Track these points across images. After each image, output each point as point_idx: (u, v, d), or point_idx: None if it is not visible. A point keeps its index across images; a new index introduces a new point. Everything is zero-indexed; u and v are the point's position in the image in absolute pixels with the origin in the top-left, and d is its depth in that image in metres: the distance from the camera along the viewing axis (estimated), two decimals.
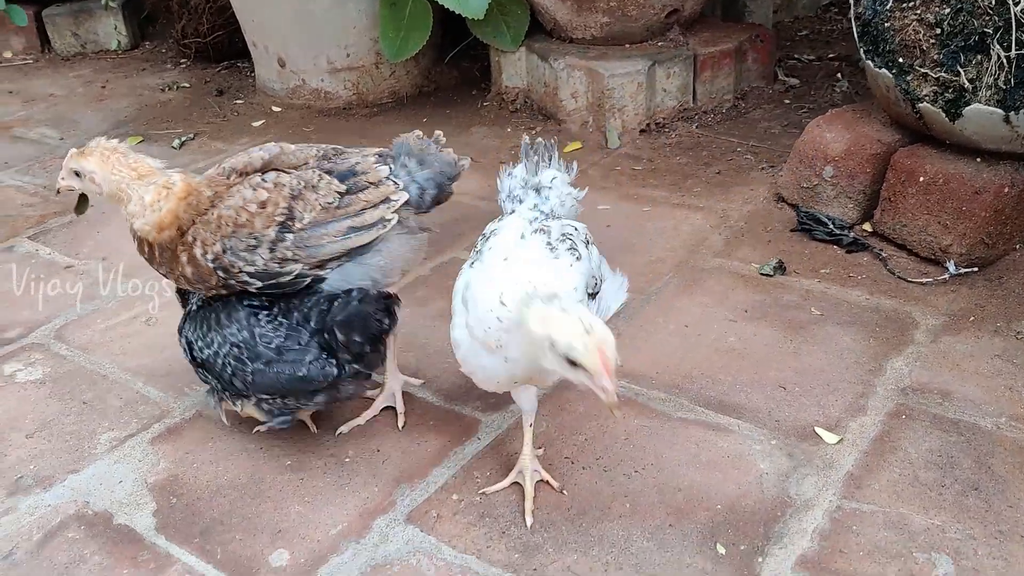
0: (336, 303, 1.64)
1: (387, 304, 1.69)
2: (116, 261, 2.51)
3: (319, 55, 3.40)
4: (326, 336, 1.63)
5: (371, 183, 1.69)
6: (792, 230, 2.43)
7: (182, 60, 4.13)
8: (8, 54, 4.36)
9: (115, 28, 4.25)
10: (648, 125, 3.08)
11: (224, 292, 1.66)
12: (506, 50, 3.30)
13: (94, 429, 1.88)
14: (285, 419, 1.72)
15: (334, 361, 1.64)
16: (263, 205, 1.62)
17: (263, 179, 1.65)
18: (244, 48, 3.94)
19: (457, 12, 2.98)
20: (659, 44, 3.16)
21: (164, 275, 1.70)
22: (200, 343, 1.69)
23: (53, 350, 2.15)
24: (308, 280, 1.64)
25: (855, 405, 1.81)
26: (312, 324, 1.64)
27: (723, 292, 2.20)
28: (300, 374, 1.62)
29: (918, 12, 2.15)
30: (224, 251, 1.60)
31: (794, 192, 2.51)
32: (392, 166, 1.75)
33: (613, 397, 1.30)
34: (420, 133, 1.83)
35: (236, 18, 3.83)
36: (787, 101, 3.28)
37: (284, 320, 1.66)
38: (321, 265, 1.64)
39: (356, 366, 1.65)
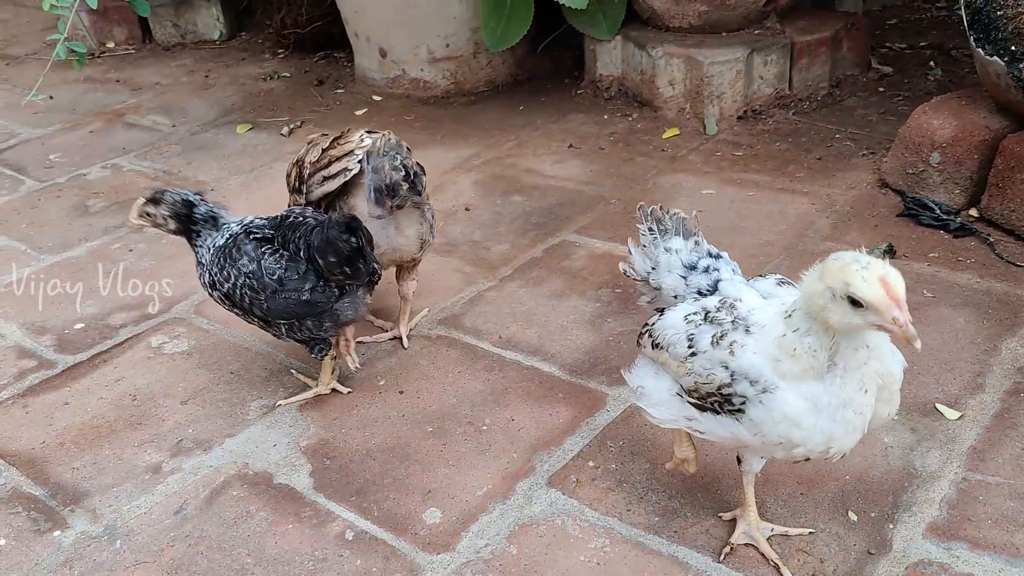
0: (312, 232, 1.81)
1: (348, 225, 1.80)
2: None
3: (420, 45, 3.51)
4: (317, 264, 1.80)
5: (341, 143, 1.97)
6: (899, 215, 2.48)
7: (280, 50, 4.27)
8: (111, 44, 4.54)
9: (216, 19, 4.41)
10: (745, 112, 3.13)
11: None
12: (602, 39, 3.37)
13: (244, 397, 2.01)
14: (321, 347, 1.91)
15: (333, 285, 1.82)
16: (291, 164, 2.10)
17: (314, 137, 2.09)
18: (342, 39, 4.07)
19: (560, 2, 3.06)
20: (756, 32, 3.20)
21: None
22: (220, 277, 1.86)
23: (195, 324, 2.29)
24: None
25: (973, 383, 1.87)
26: (303, 254, 1.82)
27: None
28: (304, 299, 1.81)
29: None
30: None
31: (899, 178, 2.56)
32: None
33: (909, 329, 1.18)
34: (391, 139, 1.96)
35: (333, 9, 3.96)
36: (881, 89, 3.30)
37: (284, 252, 1.84)
38: (318, 206, 1.98)
39: (346, 286, 1.84)
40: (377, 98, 3.65)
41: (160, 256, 2.60)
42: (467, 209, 2.74)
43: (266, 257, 1.83)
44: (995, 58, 2.27)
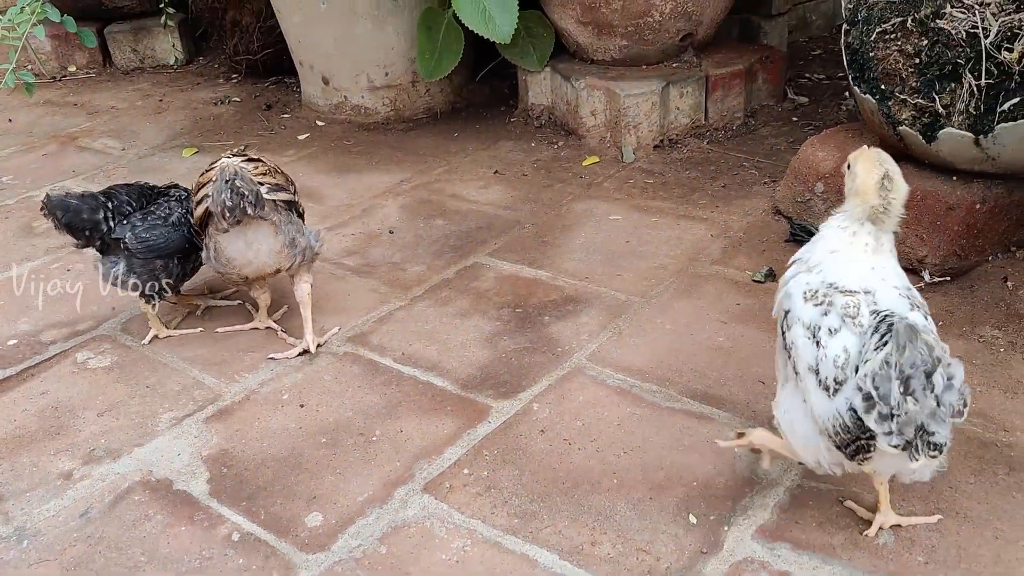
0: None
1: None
2: None
3: (360, 74, 3.67)
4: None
5: (208, 172, 2.21)
6: (786, 240, 2.65)
7: (233, 76, 4.44)
8: (72, 68, 4.70)
9: (172, 45, 4.58)
10: (662, 141, 3.30)
11: None
12: (532, 70, 3.55)
13: (156, 410, 2.16)
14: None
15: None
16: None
17: None
18: (292, 65, 4.24)
19: (486, 36, 3.23)
20: (673, 65, 3.38)
21: None
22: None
23: (120, 341, 2.44)
24: None
25: None
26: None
27: (717, 296, 2.42)
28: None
29: (899, 43, 2.35)
30: None
31: (789, 205, 2.73)
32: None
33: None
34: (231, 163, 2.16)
35: (284, 38, 4.13)
36: (795, 119, 3.48)
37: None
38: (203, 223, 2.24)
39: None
40: (320, 123, 3.81)
41: (95, 278, 2.74)
42: (391, 232, 2.90)
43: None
44: (868, 96, 2.44)
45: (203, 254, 2.29)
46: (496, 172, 3.26)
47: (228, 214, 2.10)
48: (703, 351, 2.21)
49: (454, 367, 2.23)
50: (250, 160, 2.19)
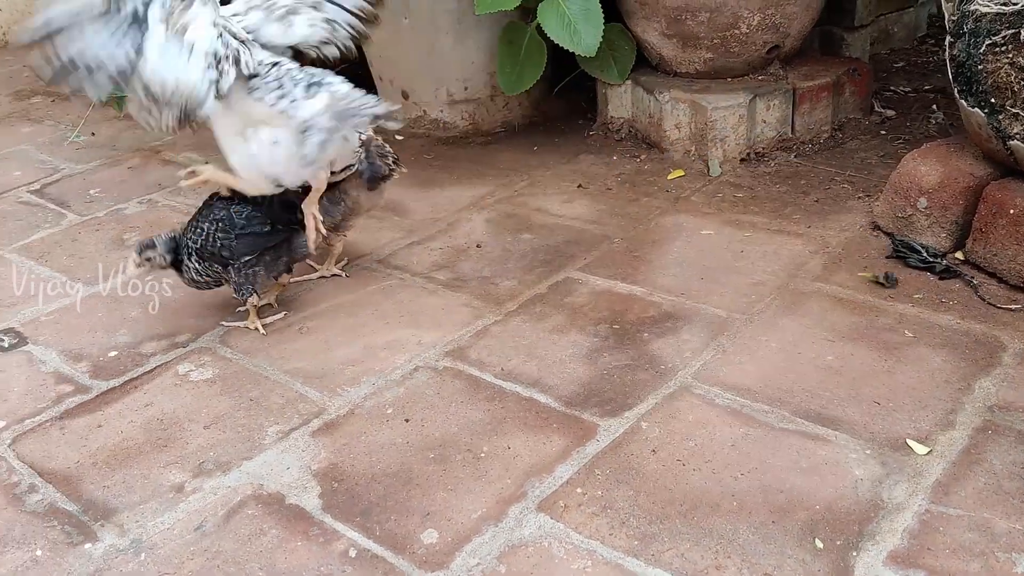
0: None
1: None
2: None
3: (440, 89, 3.68)
4: (271, 212, 2.47)
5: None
6: (887, 257, 2.59)
7: None
8: None
9: None
10: (748, 155, 3.26)
11: None
12: (613, 83, 3.53)
13: (262, 423, 2.17)
14: (247, 291, 2.49)
15: (281, 227, 2.48)
16: None
17: None
18: (368, 80, 4.27)
19: (571, 50, 3.22)
20: (760, 78, 3.34)
21: None
22: (191, 237, 2.44)
23: (220, 353, 2.45)
24: None
25: (944, 420, 1.97)
26: (263, 206, 2.47)
27: (822, 313, 2.37)
28: (266, 231, 2.44)
29: (1010, 56, 2.29)
30: None
31: (889, 221, 2.67)
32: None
33: None
34: (379, 139, 2.66)
35: (360, 52, 4.16)
36: (883, 132, 3.42)
37: (248, 206, 2.46)
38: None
39: (292, 227, 2.51)
40: (400, 137, 3.82)
41: (189, 290, 2.77)
42: (478, 246, 2.89)
43: (232, 207, 2.45)
44: (976, 109, 2.39)
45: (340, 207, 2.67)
46: (580, 186, 3.24)
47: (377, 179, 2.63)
48: (812, 370, 2.17)
49: (556, 383, 2.21)
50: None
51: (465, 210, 3.15)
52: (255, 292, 2.48)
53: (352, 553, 1.77)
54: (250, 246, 2.43)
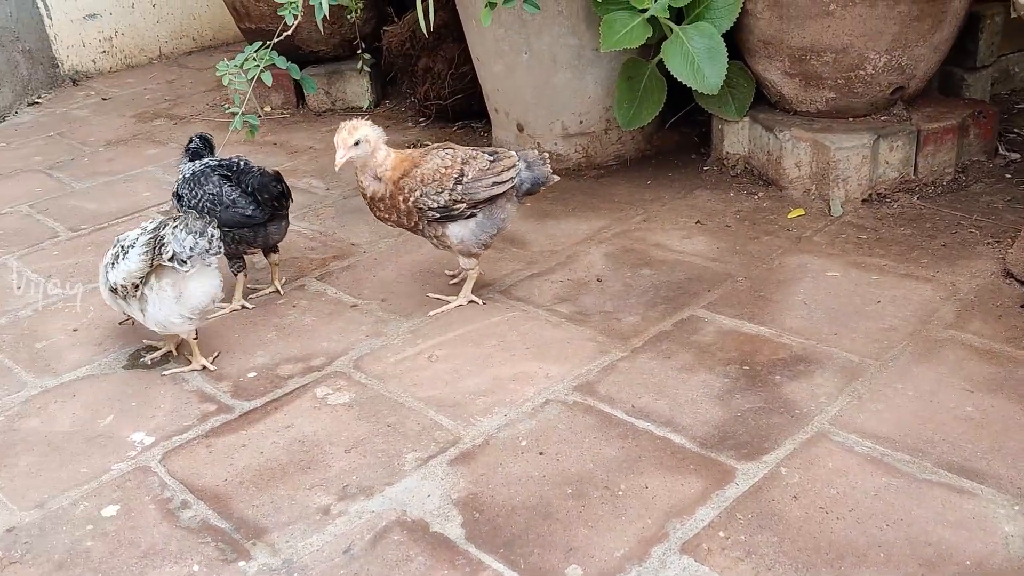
0: (249, 177, 2.84)
1: (276, 176, 2.88)
2: (394, 302, 2.90)
3: (555, 122, 3.74)
4: (257, 198, 2.82)
5: (505, 158, 2.68)
6: (1021, 306, 2.54)
7: (421, 119, 4.59)
8: (268, 108, 4.96)
9: (366, 89, 4.78)
10: (870, 195, 3.24)
11: (415, 225, 2.69)
12: (730, 119, 3.54)
13: (400, 449, 2.23)
14: (239, 265, 2.92)
15: (266, 210, 2.83)
16: (448, 168, 2.62)
17: (445, 152, 2.66)
18: (478, 110, 4.36)
19: (694, 88, 3.25)
20: (883, 119, 3.32)
21: (381, 218, 2.72)
22: (187, 195, 2.85)
23: (354, 378, 2.53)
24: (467, 213, 2.65)
25: None
26: (249, 190, 2.82)
27: (958, 362, 2.34)
28: (247, 213, 2.80)
29: None
30: (420, 196, 2.61)
31: None
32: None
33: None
34: (545, 155, 2.78)
35: (473, 84, 4.26)
36: (1008, 176, 3.36)
37: (239, 188, 2.83)
38: (475, 205, 2.63)
39: (273, 212, 2.86)
40: None
41: (321, 314, 2.87)
42: (599, 280, 2.93)
43: (225, 186, 2.83)
44: None
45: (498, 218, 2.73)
46: (698, 222, 3.25)
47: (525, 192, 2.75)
48: (952, 421, 2.14)
49: (688, 424, 2.22)
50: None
51: (582, 243, 3.19)
52: (240, 268, 2.94)
53: None
54: (232, 220, 2.80)
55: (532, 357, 2.55)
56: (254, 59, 3.45)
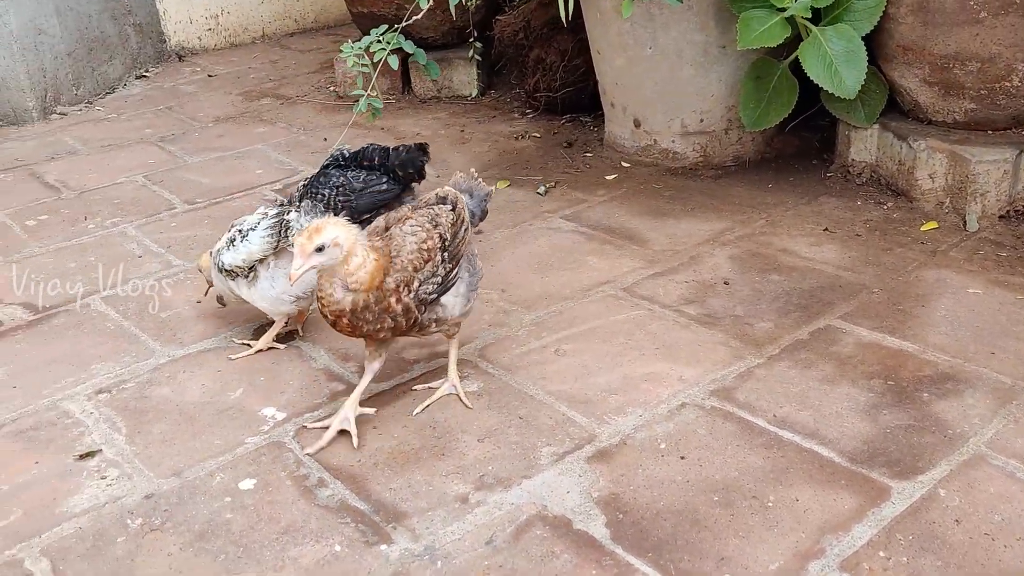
0: (392, 154, 2.89)
1: (422, 148, 2.93)
2: (513, 293, 2.87)
3: (674, 119, 3.67)
4: (391, 173, 2.87)
5: (451, 199, 2.30)
6: None
7: (528, 111, 4.55)
8: (375, 93, 4.96)
9: (474, 77, 4.75)
10: (1008, 212, 3.11)
11: (414, 322, 2.19)
12: (858, 126, 3.44)
13: (534, 442, 2.19)
14: None
15: (399, 183, 2.88)
16: (428, 241, 2.18)
17: (411, 226, 2.19)
18: (588, 104, 4.31)
19: (830, 91, 3.16)
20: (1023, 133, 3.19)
21: (366, 333, 2.16)
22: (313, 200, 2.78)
23: (480, 367, 2.50)
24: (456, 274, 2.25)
25: None
26: (380, 168, 2.89)
27: None
28: (383, 189, 2.83)
29: None
30: (420, 284, 2.16)
31: None
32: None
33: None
34: (473, 172, 2.50)
35: (586, 77, 4.21)
36: None
37: (360, 169, 2.89)
38: (457, 263, 2.26)
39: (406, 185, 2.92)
40: (626, 164, 3.84)
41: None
42: (726, 283, 2.86)
43: (348, 174, 2.85)
44: None
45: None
46: (825, 230, 3.16)
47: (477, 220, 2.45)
48: None
49: (835, 437, 2.15)
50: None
51: (705, 244, 3.12)
52: None
53: None
54: (371, 205, 2.81)
55: (663, 358, 2.49)
56: (380, 42, 3.45)
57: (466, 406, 2.31)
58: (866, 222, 3.20)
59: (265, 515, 2.00)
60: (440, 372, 2.48)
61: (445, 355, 2.56)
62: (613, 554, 1.85)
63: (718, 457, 2.10)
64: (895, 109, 3.44)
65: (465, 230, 2.27)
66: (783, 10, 3.15)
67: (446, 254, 2.20)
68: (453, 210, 2.26)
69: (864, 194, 3.41)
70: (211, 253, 2.61)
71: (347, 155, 2.93)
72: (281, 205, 2.68)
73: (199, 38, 6.17)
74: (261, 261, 2.48)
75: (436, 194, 2.31)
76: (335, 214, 2.60)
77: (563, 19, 3.19)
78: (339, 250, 2.00)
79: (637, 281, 2.91)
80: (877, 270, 2.88)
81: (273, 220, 2.48)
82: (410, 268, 2.13)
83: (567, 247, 3.16)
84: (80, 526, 2.00)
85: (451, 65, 4.79)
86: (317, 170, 2.93)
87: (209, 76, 5.63)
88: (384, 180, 2.83)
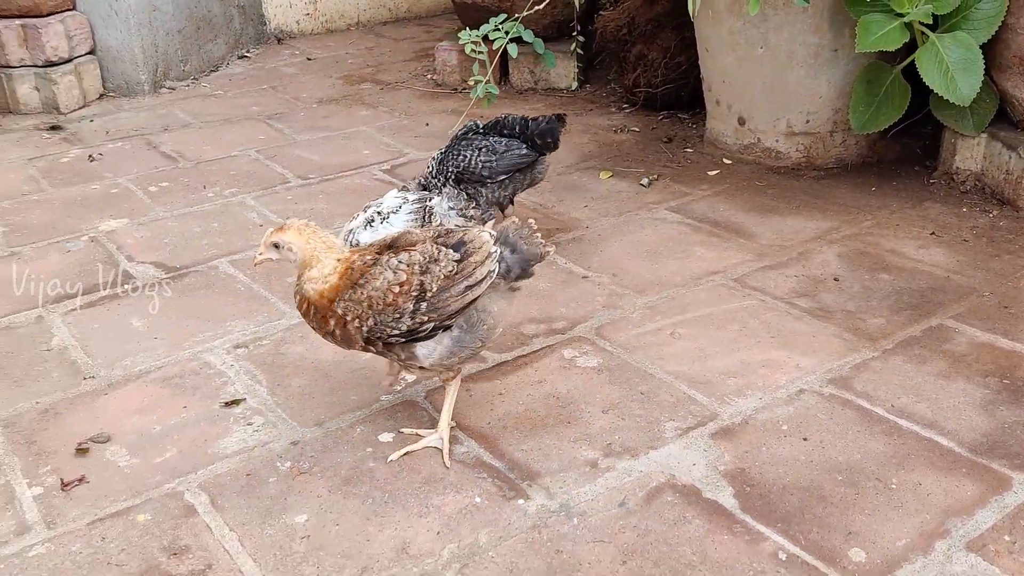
0: (532, 123, 3.01)
1: (560, 116, 3.04)
2: (624, 278, 2.96)
3: (780, 119, 3.73)
4: (529, 141, 2.99)
5: (475, 249, 2.03)
6: None
7: (625, 106, 4.64)
8: (471, 82, 5.08)
9: (573, 71, 4.85)
10: None
11: (364, 349, 2.06)
12: (966, 134, 3.46)
13: (658, 417, 2.28)
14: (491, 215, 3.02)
15: (537, 148, 2.99)
16: (402, 285, 1.97)
17: (399, 261, 1.99)
18: (688, 101, 4.39)
19: (946, 97, 3.19)
20: None
21: (313, 328, 2.08)
22: (454, 162, 2.93)
23: (598, 344, 2.59)
24: (439, 328, 2.02)
25: None
26: (520, 136, 3.00)
27: None
28: (523, 152, 2.95)
29: None
30: (375, 324, 1.99)
31: None
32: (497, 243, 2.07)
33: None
34: (532, 224, 2.13)
35: (688, 73, 4.28)
36: None
37: (505, 137, 2.99)
38: (450, 317, 2.01)
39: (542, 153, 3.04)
40: (727, 161, 3.90)
41: (555, 282, 2.95)
42: (836, 279, 2.92)
43: (489, 138, 2.97)
44: None
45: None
46: (932, 233, 3.20)
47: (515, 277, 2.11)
48: None
49: (953, 428, 2.20)
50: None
51: (812, 241, 3.18)
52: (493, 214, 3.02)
53: (782, 556, 1.83)
54: (510, 166, 2.94)
55: (778, 346, 2.56)
56: (499, 31, 3.55)
57: (445, 465, 2.11)
58: (972, 228, 3.23)
59: (406, 466, 2.12)
60: (560, 346, 2.58)
61: (563, 332, 2.66)
62: (744, 522, 1.93)
63: (840, 440, 2.17)
64: (1004, 119, 3.46)
65: (468, 287, 1.99)
66: (902, 15, 3.19)
67: (424, 304, 1.97)
68: (461, 260, 2.01)
69: (969, 201, 3.43)
70: (348, 231, 2.73)
71: (479, 126, 3.06)
72: (422, 188, 2.81)
73: (297, 22, 6.35)
74: None
75: (463, 228, 2.10)
76: (475, 174, 2.84)
77: (691, 14, 3.26)
78: (292, 255, 2.01)
79: (747, 273, 2.98)
80: (986, 274, 2.91)
81: (416, 204, 2.61)
82: (365, 304, 1.97)
83: (675, 237, 3.24)
84: (232, 466, 2.13)
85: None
86: (448, 142, 3.04)
87: (308, 59, 5.81)
88: (524, 146, 2.96)
